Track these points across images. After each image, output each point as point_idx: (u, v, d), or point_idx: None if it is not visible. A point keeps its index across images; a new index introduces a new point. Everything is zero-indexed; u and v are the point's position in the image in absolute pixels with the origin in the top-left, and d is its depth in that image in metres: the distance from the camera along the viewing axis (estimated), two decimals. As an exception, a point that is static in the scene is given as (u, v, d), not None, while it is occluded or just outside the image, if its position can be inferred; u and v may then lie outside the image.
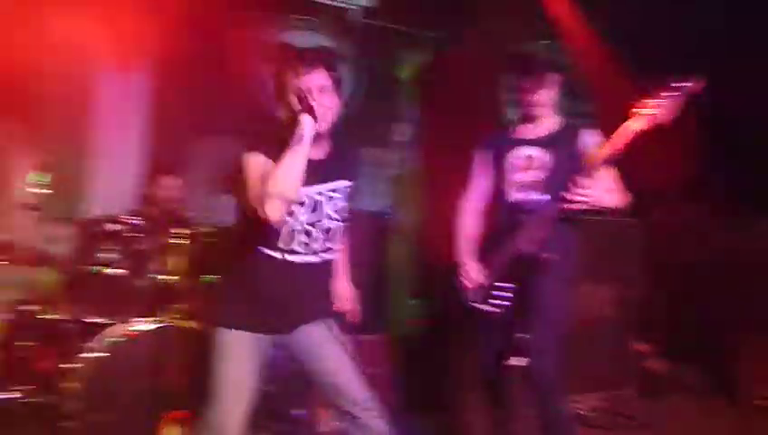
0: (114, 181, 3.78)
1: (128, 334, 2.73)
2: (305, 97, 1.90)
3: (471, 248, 2.67)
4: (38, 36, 3.38)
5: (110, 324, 2.80)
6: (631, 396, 3.83)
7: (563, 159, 2.50)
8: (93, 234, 2.91)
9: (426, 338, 4.50)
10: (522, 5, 4.60)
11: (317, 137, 1.92)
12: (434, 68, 4.63)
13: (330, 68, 1.97)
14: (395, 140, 4.83)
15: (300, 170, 1.86)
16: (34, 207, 2.88)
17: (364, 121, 4.30)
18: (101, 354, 2.66)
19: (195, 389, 2.64)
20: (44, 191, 2.89)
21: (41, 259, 3.01)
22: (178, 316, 2.88)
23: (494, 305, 2.55)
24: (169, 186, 3.51)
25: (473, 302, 2.62)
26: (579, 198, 2.30)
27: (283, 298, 2.04)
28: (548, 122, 2.61)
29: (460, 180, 4.89)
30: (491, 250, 2.59)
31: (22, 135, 3.60)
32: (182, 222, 3.46)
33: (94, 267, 2.86)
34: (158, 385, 2.71)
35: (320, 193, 2.00)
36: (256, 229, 1.93)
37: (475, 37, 4.56)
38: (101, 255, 2.88)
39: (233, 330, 2.00)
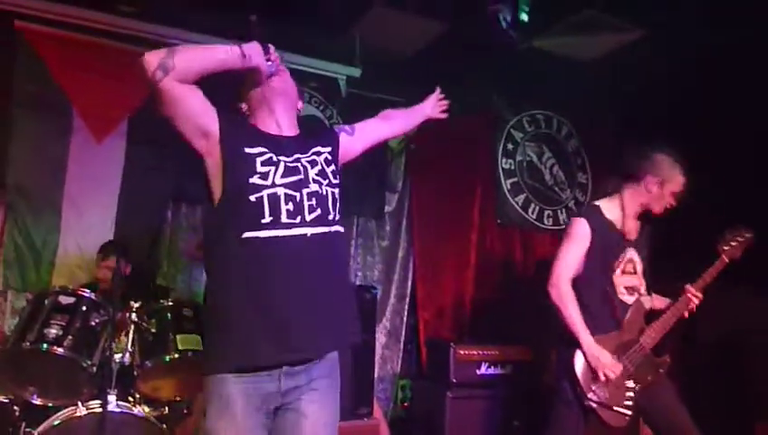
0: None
1: (75, 419, 2.50)
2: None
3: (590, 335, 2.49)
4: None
5: (58, 408, 2.60)
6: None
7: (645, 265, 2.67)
8: (43, 307, 2.66)
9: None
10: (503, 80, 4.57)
11: (282, 112, 1.86)
12: (423, 138, 4.58)
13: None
14: (385, 211, 4.75)
15: (209, 60, 1.72)
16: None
17: (354, 191, 4.18)
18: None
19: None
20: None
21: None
22: (131, 401, 2.63)
23: (626, 407, 2.45)
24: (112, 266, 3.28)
25: (593, 400, 2.44)
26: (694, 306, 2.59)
27: (286, 299, 1.66)
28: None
29: (453, 252, 4.73)
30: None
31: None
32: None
33: (43, 344, 2.57)
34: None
35: (297, 159, 1.80)
36: (231, 211, 1.68)
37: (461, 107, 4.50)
38: (50, 330, 2.61)
39: (224, 375, 1.64)
